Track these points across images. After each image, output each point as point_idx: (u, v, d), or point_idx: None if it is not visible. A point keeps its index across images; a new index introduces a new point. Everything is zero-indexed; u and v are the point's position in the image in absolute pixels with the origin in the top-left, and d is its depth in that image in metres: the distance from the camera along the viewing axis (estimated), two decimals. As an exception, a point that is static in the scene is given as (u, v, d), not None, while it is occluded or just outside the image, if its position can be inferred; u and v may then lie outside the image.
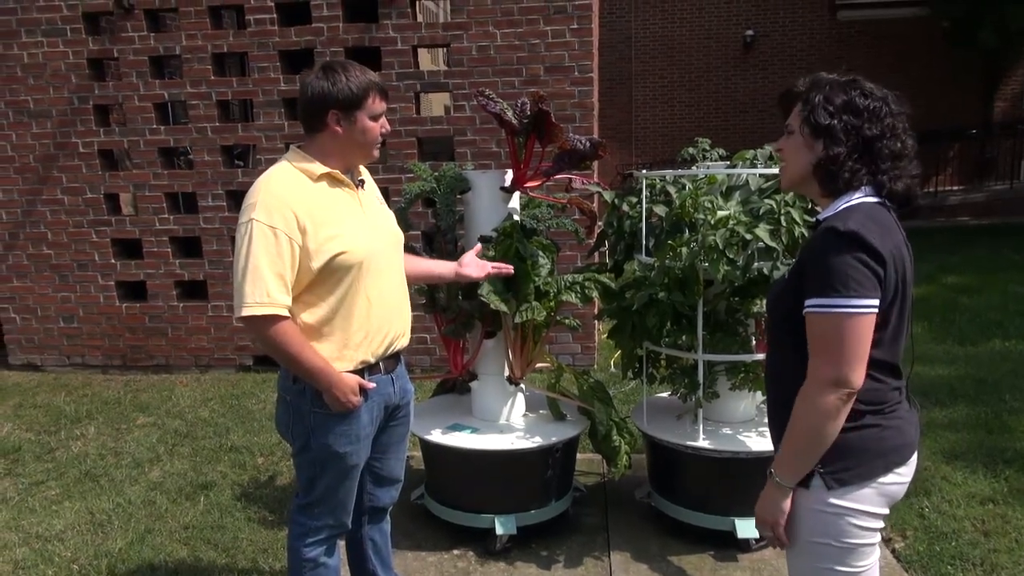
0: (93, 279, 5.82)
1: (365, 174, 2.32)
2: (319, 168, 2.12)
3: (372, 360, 2.22)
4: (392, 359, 2.32)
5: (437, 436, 3.10)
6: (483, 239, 3.07)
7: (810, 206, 2.80)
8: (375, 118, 2.12)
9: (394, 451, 2.45)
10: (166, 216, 5.67)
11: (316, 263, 2.05)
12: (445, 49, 5.79)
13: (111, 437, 4.54)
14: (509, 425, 3.25)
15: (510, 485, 3.09)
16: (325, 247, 2.06)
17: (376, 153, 2.19)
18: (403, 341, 2.33)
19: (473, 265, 2.67)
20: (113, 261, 5.78)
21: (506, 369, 3.24)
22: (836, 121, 1.62)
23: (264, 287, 2.00)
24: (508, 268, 2.77)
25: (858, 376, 1.55)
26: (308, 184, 2.10)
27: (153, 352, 5.86)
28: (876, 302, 1.54)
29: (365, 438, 2.25)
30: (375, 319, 2.20)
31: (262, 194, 2.05)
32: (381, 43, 5.30)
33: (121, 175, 5.72)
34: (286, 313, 2.04)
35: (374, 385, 2.22)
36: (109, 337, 5.88)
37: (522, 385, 3.28)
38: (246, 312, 2.01)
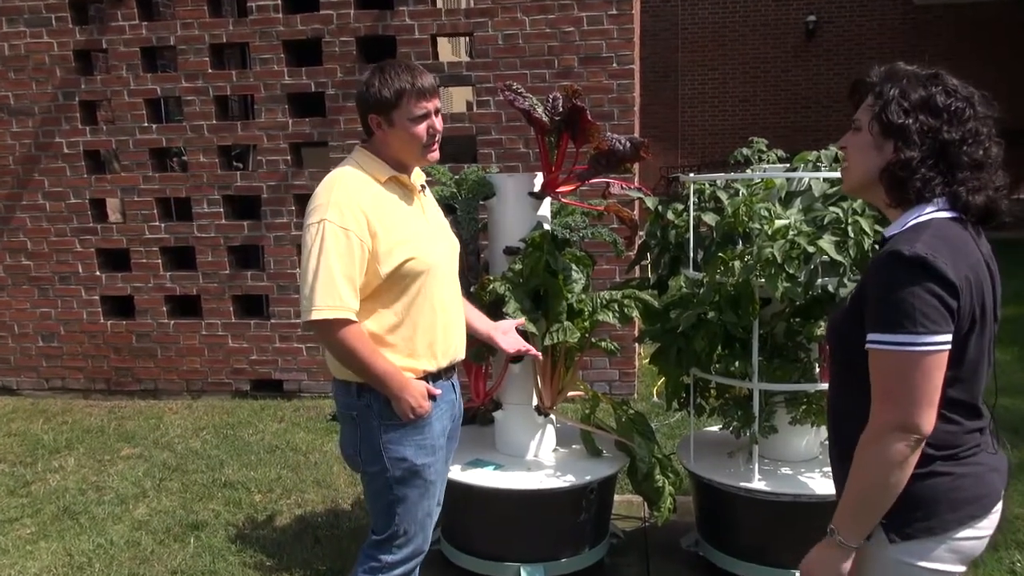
0: (76, 293, 5.93)
1: (425, 181, 2.48)
2: (386, 171, 2.30)
3: (435, 370, 2.36)
4: (451, 369, 2.46)
5: (456, 473, 3.11)
6: (509, 251, 3.08)
7: (882, 215, 2.78)
8: (416, 120, 2.25)
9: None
10: (157, 224, 5.76)
11: (385, 268, 2.21)
12: (467, 38, 5.85)
13: (93, 470, 4.61)
14: (537, 461, 3.24)
15: (538, 530, 3.08)
16: (395, 252, 2.22)
17: (433, 156, 2.33)
18: (462, 353, 2.49)
19: (511, 338, 2.74)
20: (98, 273, 5.88)
21: (534, 398, 3.23)
22: (911, 120, 1.59)
23: (336, 290, 2.15)
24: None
25: (928, 421, 1.52)
26: (375, 187, 2.27)
27: (140, 375, 5.94)
28: (948, 337, 1.51)
29: (440, 449, 2.38)
30: (440, 328, 2.35)
31: (335, 194, 2.21)
32: (396, 32, 5.37)
33: (108, 178, 5.83)
34: (355, 318, 2.19)
35: (440, 392, 2.36)
36: (92, 358, 5.98)
37: (552, 416, 3.27)
38: (316, 316, 2.16)
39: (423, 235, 2.32)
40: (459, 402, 2.52)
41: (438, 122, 2.30)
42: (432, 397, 2.32)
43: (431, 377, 2.35)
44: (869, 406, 1.57)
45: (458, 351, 2.45)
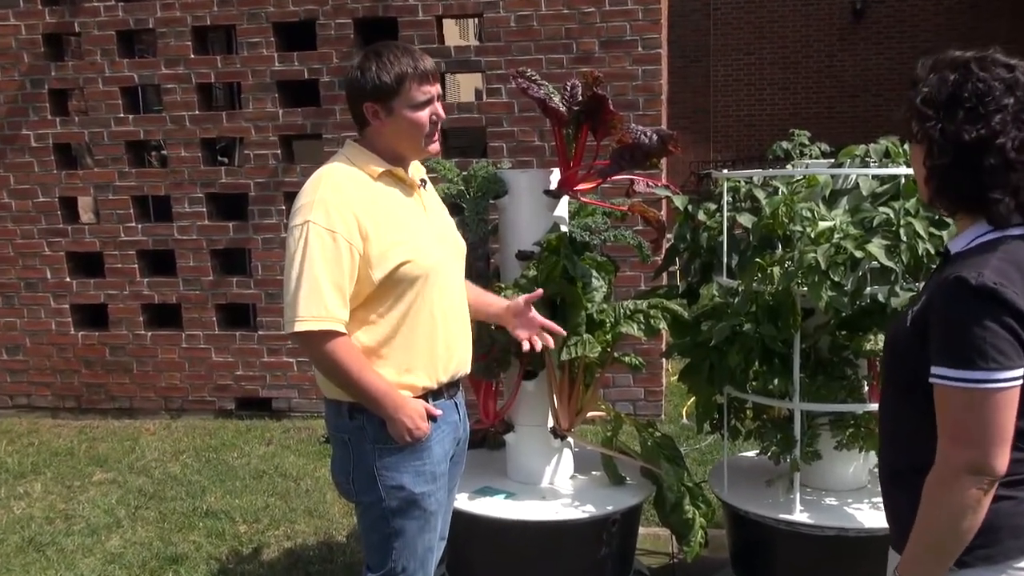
0: (44, 301, 5.97)
1: (426, 176, 2.49)
2: (379, 165, 2.29)
3: (435, 387, 2.35)
4: (454, 386, 2.45)
5: (463, 502, 3.11)
6: (522, 255, 3.09)
7: (937, 217, 2.78)
8: (418, 107, 2.26)
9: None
10: (133, 225, 5.80)
11: (378, 273, 2.21)
12: (476, 20, 5.87)
13: (61, 497, 4.63)
14: (553, 490, 3.24)
15: (554, 565, 3.07)
16: (389, 255, 2.21)
17: (434, 147, 2.34)
18: (466, 367, 2.47)
19: (522, 319, 2.64)
20: (68, 280, 5.93)
21: (550, 419, 3.23)
22: (935, 123, 1.60)
23: (322, 299, 2.15)
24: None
25: (1002, 461, 1.54)
26: (368, 183, 2.27)
27: (114, 392, 5.97)
28: (1021, 372, 1.53)
29: (441, 476, 2.37)
30: (441, 340, 2.34)
31: (320, 192, 2.20)
32: (398, 13, 5.41)
33: (80, 175, 5.88)
34: (344, 329, 2.18)
35: (440, 412, 2.35)
36: (61, 373, 6.02)
37: (570, 439, 3.27)
38: (301, 327, 2.16)
39: (422, 235, 2.31)
40: (464, 423, 2.51)
41: (440, 108, 2.31)
42: (432, 418, 2.31)
43: (431, 395, 2.34)
44: (927, 434, 1.59)
45: (462, 365, 2.44)
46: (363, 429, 2.28)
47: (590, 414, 3.33)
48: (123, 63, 5.70)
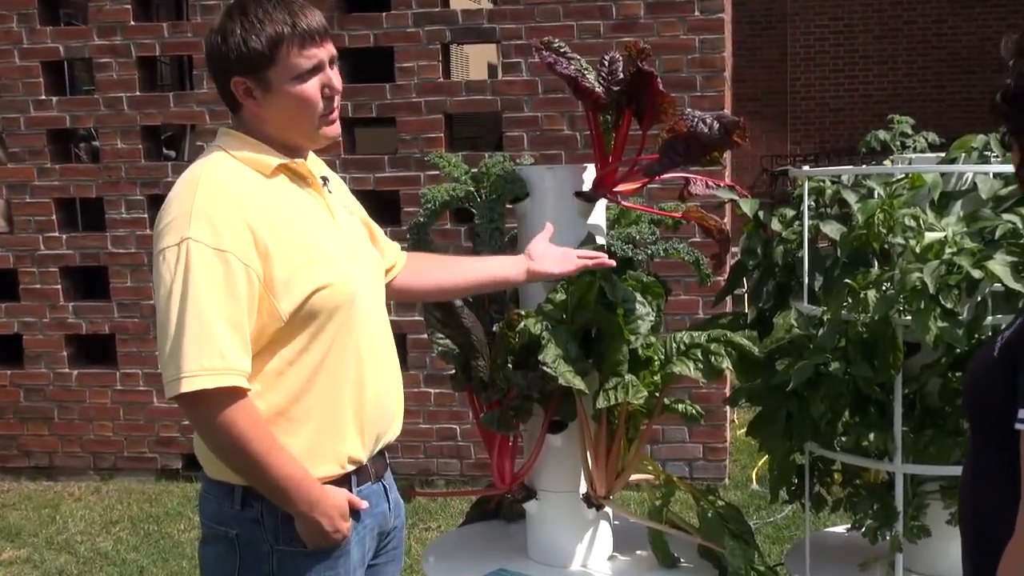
0: (-57, 331, 6.01)
1: (328, 172, 2.40)
2: (273, 156, 2.20)
3: (364, 457, 2.27)
4: (381, 457, 2.38)
5: (470, 588, 3.10)
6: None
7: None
8: (302, 76, 2.16)
9: None
10: (56, 235, 5.85)
11: (287, 304, 2.11)
12: (490, -23, 5.92)
13: (-38, 579, 4.65)
14: (587, 573, 3.23)
15: (587, 671, 3.06)
16: (299, 279, 2.12)
17: (331, 130, 2.26)
18: (398, 429, 2.41)
19: (550, 257, 2.70)
20: (-26, 304, 5.97)
21: (582, 483, 3.23)
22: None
23: (216, 346, 2.02)
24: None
25: None
26: (260, 183, 2.18)
27: (30, 447, 6.00)
28: None
29: None
30: (370, 392, 2.25)
31: (200, 199, 2.09)
32: (390, -31, 5.47)
33: (-9, 172, 5.94)
34: (248, 385, 2.07)
35: (366, 504, 2.27)
36: (-36, 422, 6.05)
37: (608, 509, 3.26)
38: (188, 387, 2.02)
39: (337, 249, 2.23)
40: (396, 510, 2.43)
41: (335, 77, 2.22)
42: (355, 513, 2.23)
43: (356, 475, 2.26)
44: (1009, 494, 1.61)
45: (392, 425, 2.37)
46: (257, 524, 2.17)
47: (633, 477, 3.31)
48: (45, 31, 5.76)
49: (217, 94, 2.27)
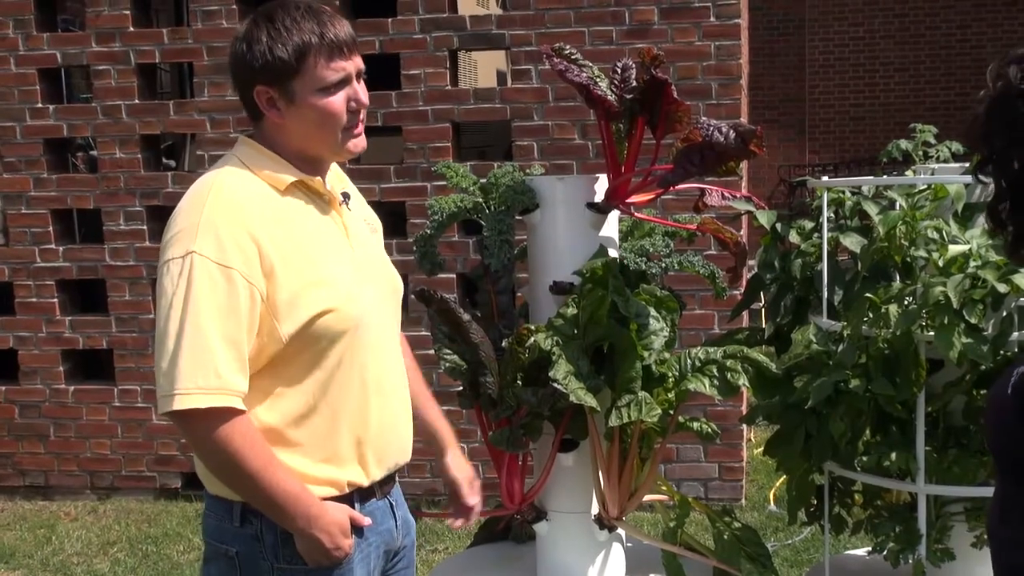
0: (-65, 347, 6.03)
1: (350, 187, 2.41)
2: (287, 173, 2.21)
3: (366, 483, 2.28)
4: (389, 480, 2.38)
5: (478, 612, 3.12)
6: (558, 287, 3.11)
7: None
8: (329, 90, 2.18)
9: None
10: (52, 247, 5.87)
11: (288, 327, 2.13)
12: (499, -19, 5.95)
13: (-46, 602, 4.67)
14: (598, 597, 3.23)
15: None
16: (302, 301, 2.13)
17: (355, 145, 2.27)
18: (407, 455, 2.41)
19: (464, 485, 2.73)
20: (-33, 318, 5.99)
21: (594, 504, 3.24)
22: (991, 143, 1.70)
23: (212, 364, 2.03)
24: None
25: None
26: (272, 198, 2.19)
27: (25, 465, 6.01)
28: None
29: None
30: (374, 418, 2.26)
31: (208, 212, 2.11)
32: (397, -27, 5.50)
33: (-16, 182, 5.97)
34: (242, 405, 2.09)
35: (369, 521, 2.27)
36: (-44, 440, 6.06)
37: (620, 531, 3.27)
38: (181, 405, 2.04)
39: (345, 272, 2.24)
40: (404, 528, 2.44)
41: (362, 91, 2.23)
42: (358, 530, 2.23)
43: (359, 495, 2.26)
44: None
45: (402, 453, 2.37)
46: (257, 541, 2.19)
47: (647, 498, 3.32)
48: (42, 38, 5.79)
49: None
